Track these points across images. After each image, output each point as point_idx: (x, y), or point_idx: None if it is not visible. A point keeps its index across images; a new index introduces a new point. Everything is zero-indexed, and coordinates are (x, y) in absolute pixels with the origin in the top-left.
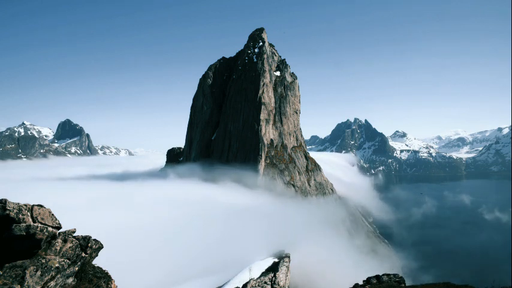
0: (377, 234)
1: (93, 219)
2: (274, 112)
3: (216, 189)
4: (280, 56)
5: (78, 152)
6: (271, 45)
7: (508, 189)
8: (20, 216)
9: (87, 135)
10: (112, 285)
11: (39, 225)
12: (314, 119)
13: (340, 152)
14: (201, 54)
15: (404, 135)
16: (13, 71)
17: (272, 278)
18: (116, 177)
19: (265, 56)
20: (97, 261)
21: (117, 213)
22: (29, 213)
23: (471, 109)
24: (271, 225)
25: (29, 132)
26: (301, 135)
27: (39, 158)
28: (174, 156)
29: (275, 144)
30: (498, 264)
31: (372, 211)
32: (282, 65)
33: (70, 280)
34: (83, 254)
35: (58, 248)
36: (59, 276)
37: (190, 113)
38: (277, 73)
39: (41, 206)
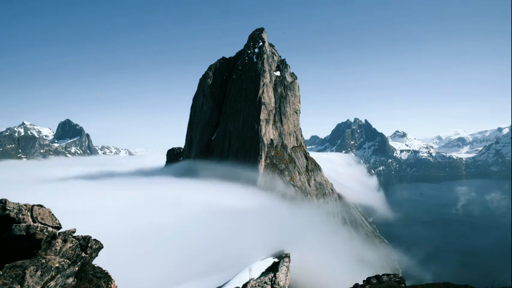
0: (377, 234)
1: (93, 219)
2: (274, 112)
3: (216, 189)
4: (280, 56)
5: (78, 152)
6: (271, 45)
7: (508, 189)
8: (20, 216)
9: (87, 135)
10: (112, 285)
11: (39, 225)
12: (314, 119)
13: (340, 152)
14: (201, 54)
15: (404, 135)
16: (13, 71)
17: (272, 278)
18: (116, 177)
19: (265, 56)
20: (97, 261)
21: (117, 214)
22: (29, 213)
23: (471, 109)
24: (271, 225)
25: (29, 132)
26: (301, 135)
27: (39, 158)
28: (174, 156)
29: (275, 144)
30: (498, 264)
31: (371, 211)
32: (282, 65)
33: (70, 280)
34: (83, 254)
35: (58, 248)
36: (59, 276)
37: (190, 113)
38: (277, 73)
39: (41, 206)
